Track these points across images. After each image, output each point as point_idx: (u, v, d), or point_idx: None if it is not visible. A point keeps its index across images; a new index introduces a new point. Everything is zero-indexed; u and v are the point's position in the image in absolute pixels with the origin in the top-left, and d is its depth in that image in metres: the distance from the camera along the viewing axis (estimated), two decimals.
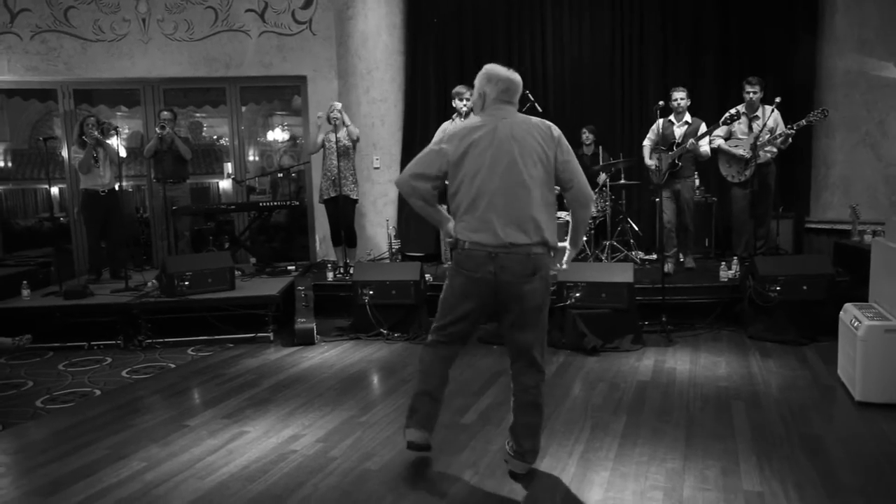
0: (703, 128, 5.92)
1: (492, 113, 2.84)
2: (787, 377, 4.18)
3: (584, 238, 2.91)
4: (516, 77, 2.89)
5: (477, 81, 2.91)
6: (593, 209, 2.89)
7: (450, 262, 2.97)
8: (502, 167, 2.73)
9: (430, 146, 2.92)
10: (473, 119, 2.89)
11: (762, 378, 4.18)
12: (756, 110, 5.85)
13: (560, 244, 2.90)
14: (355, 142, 6.51)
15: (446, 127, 5.78)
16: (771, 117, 5.76)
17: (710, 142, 6.02)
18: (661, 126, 5.96)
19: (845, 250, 6.04)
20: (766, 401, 3.78)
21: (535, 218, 2.72)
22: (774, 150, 5.84)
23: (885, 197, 6.60)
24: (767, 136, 5.76)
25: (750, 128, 5.84)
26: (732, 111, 5.77)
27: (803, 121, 5.70)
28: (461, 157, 2.78)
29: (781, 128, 5.81)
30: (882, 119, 6.60)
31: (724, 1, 7.31)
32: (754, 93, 5.78)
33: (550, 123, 2.88)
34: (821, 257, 5.57)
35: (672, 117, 6.05)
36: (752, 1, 7.18)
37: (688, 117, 6.04)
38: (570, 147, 2.87)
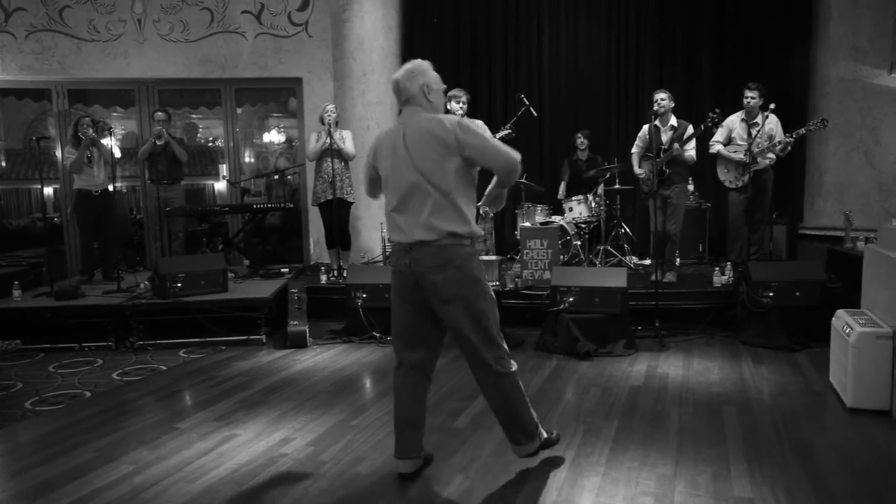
0: (689, 130, 5.78)
1: (398, 119, 2.94)
2: (779, 383, 4.19)
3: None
4: (400, 77, 2.85)
5: None
6: (518, 172, 2.90)
7: None
8: (399, 175, 2.81)
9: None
10: (387, 128, 3.00)
11: (754, 384, 4.18)
12: (755, 116, 5.85)
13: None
14: (348, 160, 6.49)
15: None
16: (767, 123, 5.78)
17: (710, 146, 6.00)
18: (647, 132, 5.87)
19: (838, 257, 6.05)
20: (757, 407, 3.78)
21: (436, 222, 2.75)
22: (773, 156, 5.86)
23: (878, 204, 6.62)
24: (767, 144, 5.77)
25: (749, 133, 5.83)
26: (711, 114, 5.65)
27: (802, 129, 5.71)
28: (376, 169, 2.97)
29: (779, 133, 5.82)
30: (875, 126, 6.62)
31: (720, 7, 7.35)
32: (753, 98, 5.79)
33: (443, 119, 2.77)
34: (814, 263, 5.58)
35: (657, 122, 5.82)
36: (748, 7, 7.23)
37: (673, 121, 5.87)
38: (476, 132, 2.74)
